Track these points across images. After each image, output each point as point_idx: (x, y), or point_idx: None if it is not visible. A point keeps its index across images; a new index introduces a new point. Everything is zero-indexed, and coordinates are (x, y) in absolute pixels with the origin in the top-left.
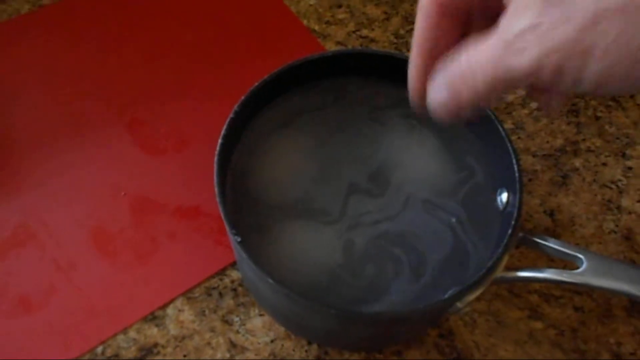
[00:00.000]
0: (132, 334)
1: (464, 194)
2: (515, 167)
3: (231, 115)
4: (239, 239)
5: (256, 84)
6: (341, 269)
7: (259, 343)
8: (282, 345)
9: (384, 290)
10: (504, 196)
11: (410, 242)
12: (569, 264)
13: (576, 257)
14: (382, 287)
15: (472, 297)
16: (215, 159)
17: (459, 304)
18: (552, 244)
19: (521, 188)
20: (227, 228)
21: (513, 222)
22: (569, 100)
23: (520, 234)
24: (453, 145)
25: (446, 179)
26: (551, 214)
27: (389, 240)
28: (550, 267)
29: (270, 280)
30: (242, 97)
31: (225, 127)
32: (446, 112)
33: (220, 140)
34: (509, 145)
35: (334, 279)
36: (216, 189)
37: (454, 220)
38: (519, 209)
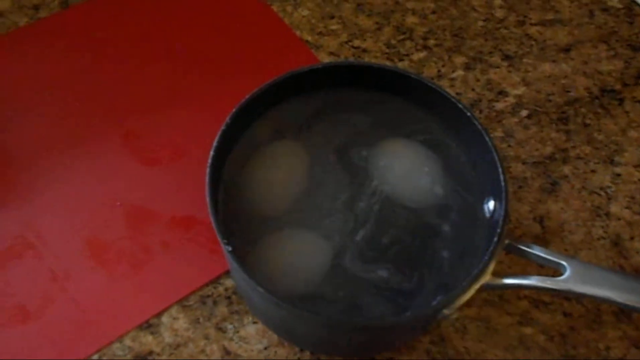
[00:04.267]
0: (127, 342)
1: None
2: (502, 176)
3: (223, 127)
4: (229, 249)
5: (247, 96)
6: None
7: (252, 350)
8: (276, 352)
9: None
10: (491, 204)
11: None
12: (556, 270)
13: (560, 264)
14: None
15: (458, 304)
16: (207, 170)
17: (445, 311)
18: (536, 251)
19: (507, 197)
20: (219, 238)
21: (498, 231)
22: (559, 109)
23: (506, 242)
24: (444, 157)
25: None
26: (541, 220)
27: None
28: (539, 274)
29: (260, 289)
30: (234, 110)
31: (217, 139)
32: None
33: (212, 152)
34: (495, 155)
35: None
36: (208, 200)
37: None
38: (505, 217)
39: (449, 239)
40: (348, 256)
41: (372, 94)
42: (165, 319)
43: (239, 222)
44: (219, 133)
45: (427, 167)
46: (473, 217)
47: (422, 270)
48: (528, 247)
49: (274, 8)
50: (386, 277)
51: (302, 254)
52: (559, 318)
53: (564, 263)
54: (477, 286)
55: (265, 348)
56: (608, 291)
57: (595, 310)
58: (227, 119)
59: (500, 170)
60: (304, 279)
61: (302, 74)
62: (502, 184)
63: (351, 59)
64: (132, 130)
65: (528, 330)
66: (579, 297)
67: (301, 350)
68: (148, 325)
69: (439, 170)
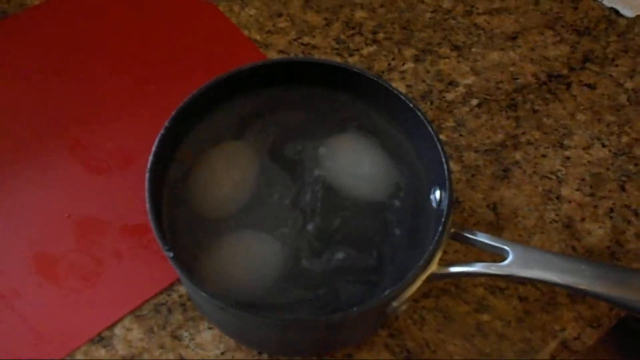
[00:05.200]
0: (78, 357)
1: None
2: (445, 166)
3: (162, 131)
4: (171, 254)
5: (186, 98)
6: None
7: (209, 357)
8: (233, 356)
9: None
10: (437, 194)
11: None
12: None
13: (502, 249)
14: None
15: (406, 295)
16: (147, 176)
17: (395, 303)
18: (481, 237)
19: (451, 187)
20: (159, 243)
21: (443, 220)
22: (508, 96)
23: (452, 230)
24: (390, 149)
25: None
26: (494, 207)
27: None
28: (494, 260)
29: (203, 294)
30: (173, 113)
31: (156, 143)
32: None
33: (151, 157)
34: (438, 145)
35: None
36: (148, 205)
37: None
38: (449, 207)
39: (399, 221)
40: (305, 252)
41: (317, 90)
42: (118, 330)
43: (188, 227)
44: (157, 137)
45: (372, 156)
46: (422, 207)
47: (380, 245)
48: (473, 234)
49: (221, 8)
50: (348, 260)
51: (256, 255)
52: (515, 303)
53: (506, 248)
54: (423, 277)
55: (223, 353)
56: (550, 274)
57: (550, 293)
58: (166, 123)
59: (444, 160)
60: (259, 282)
61: (242, 72)
62: (446, 173)
63: (299, 56)
64: (79, 138)
65: (485, 317)
66: (524, 282)
67: (259, 353)
68: (100, 339)
69: (385, 160)
